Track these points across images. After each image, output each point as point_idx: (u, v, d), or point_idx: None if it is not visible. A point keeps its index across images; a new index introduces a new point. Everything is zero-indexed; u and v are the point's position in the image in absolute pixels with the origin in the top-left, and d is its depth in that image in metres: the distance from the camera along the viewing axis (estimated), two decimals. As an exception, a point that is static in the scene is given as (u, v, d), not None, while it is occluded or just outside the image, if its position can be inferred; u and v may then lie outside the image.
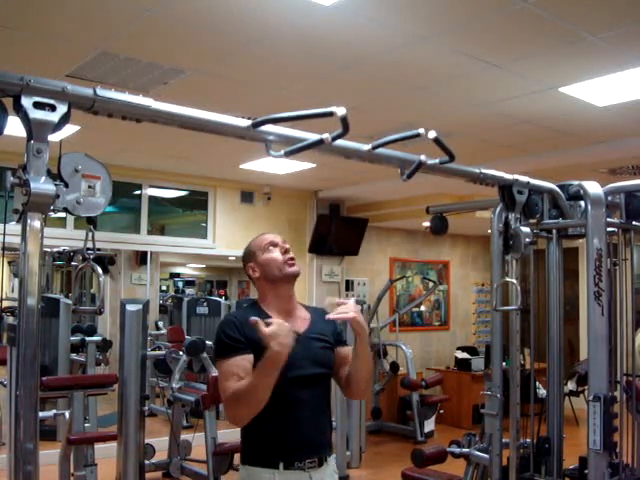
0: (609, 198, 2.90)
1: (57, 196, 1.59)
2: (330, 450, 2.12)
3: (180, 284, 8.55)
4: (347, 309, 1.97)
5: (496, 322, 3.02)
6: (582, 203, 2.86)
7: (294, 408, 2.00)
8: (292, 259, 2.11)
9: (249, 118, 1.93)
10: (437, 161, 2.32)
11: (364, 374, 2.10)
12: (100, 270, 2.17)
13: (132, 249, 6.72)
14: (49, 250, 6.45)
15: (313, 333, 2.10)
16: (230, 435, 4.82)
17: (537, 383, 3.28)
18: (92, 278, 6.16)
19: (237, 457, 4.56)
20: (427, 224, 3.83)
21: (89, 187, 1.73)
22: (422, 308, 8.69)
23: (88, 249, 2.09)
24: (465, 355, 7.88)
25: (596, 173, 5.45)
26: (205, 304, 7.37)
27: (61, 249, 6.52)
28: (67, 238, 5.84)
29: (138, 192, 6.54)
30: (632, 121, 4.29)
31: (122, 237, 6.52)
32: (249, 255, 2.16)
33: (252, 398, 1.87)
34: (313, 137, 1.97)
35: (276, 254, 2.10)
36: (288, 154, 1.98)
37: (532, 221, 2.92)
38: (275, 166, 5.94)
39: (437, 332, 8.84)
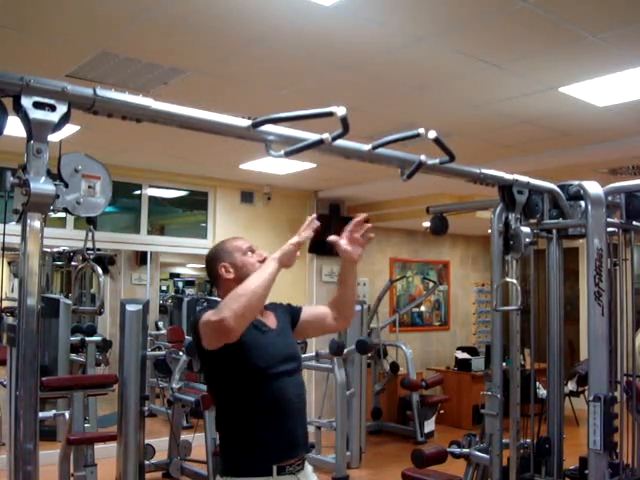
0: (609, 198, 2.90)
1: (57, 196, 1.59)
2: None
3: (180, 284, 8.52)
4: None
5: (496, 322, 3.02)
6: (582, 203, 2.86)
7: (279, 407, 1.99)
8: None
9: (249, 118, 1.93)
10: (437, 161, 2.32)
11: (353, 298, 2.22)
12: (100, 270, 2.17)
13: (132, 249, 6.72)
14: (49, 250, 6.44)
15: (283, 329, 2.15)
16: (230, 435, 4.82)
17: (537, 383, 3.28)
18: (92, 278, 6.15)
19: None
20: (427, 224, 3.83)
21: (89, 187, 1.74)
22: (422, 308, 8.68)
23: (88, 249, 2.10)
24: (465, 355, 7.88)
25: (596, 173, 5.44)
26: (205, 304, 7.35)
27: (61, 249, 6.51)
28: (67, 238, 5.84)
29: (138, 192, 6.53)
30: (632, 121, 4.29)
31: (122, 237, 6.51)
32: (224, 253, 2.13)
33: (256, 289, 1.85)
34: (313, 137, 1.97)
35: (254, 261, 2.12)
36: (288, 154, 1.98)
37: (532, 221, 2.92)
38: (275, 166, 5.94)
39: (437, 332, 8.83)
